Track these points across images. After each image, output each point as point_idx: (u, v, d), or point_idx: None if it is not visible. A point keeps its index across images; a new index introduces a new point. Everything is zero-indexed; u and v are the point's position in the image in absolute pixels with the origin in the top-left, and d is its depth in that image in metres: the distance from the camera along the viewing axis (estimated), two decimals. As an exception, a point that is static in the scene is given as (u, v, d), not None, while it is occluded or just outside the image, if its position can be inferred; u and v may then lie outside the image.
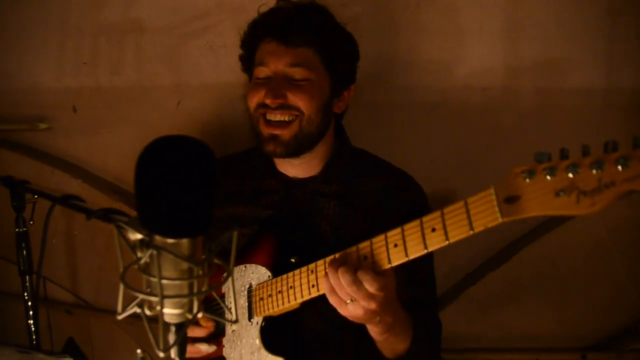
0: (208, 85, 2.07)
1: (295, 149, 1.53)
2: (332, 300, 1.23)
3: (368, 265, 1.19)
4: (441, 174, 1.97)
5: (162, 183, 0.78)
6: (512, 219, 0.98)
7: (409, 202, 1.56)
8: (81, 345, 2.39)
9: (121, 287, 0.83)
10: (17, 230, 1.64)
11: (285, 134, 1.51)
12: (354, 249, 1.23)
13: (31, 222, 1.64)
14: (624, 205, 0.87)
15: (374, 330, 1.31)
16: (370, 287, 1.17)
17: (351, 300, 1.20)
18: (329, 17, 1.60)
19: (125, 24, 2.08)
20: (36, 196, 1.57)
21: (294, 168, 1.61)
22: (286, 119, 1.51)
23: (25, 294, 1.68)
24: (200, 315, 0.87)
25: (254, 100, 1.55)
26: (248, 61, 1.65)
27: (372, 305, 1.19)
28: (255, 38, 1.60)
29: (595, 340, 2.05)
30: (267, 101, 1.51)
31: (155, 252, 0.77)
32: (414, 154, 1.97)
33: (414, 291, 1.48)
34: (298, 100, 1.50)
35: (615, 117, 1.87)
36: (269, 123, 1.52)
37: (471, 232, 1.04)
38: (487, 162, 1.95)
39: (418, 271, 1.35)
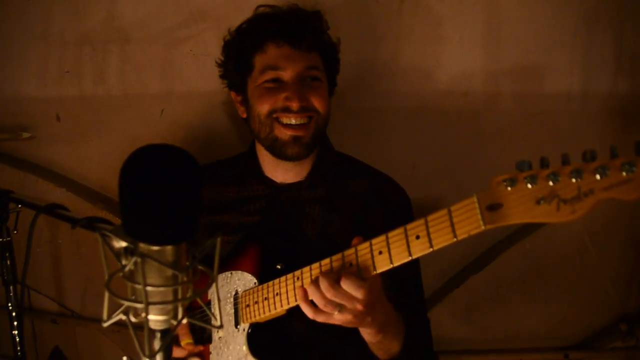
0: (192, 93, 2.08)
1: (313, 149, 1.58)
2: (320, 318, 1.24)
3: (352, 271, 1.20)
4: (423, 178, 1.99)
5: (145, 191, 0.79)
6: (495, 227, 1.01)
7: (393, 205, 1.59)
8: (67, 355, 2.38)
9: (106, 294, 0.84)
10: (0, 240, 1.63)
11: (306, 135, 1.54)
12: (339, 255, 1.24)
13: (15, 232, 1.62)
14: (603, 206, 0.90)
15: (367, 332, 1.31)
16: (356, 291, 1.18)
17: (339, 310, 1.21)
18: (323, 21, 1.65)
19: (109, 33, 2.07)
20: (20, 205, 1.55)
21: (285, 173, 1.62)
22: (305, 121, 1.53)
23: (10, 305, 1.67)
24: (184, 321, 0.88)
25: (266, 107, 1.54)
26: (239, 66, 1.63)
27: (358, 306, 1.20)
28: (256, 42, 1.58)
29: (578, 339, 2.08)
30: (292, 105, 1.51)
31: (139, 260, 0.78)
32: (396, 159, 1.99)
33: (402, 296, 1.49)
34: (315, 101, 1.54)
35: (593, 121, 1.92)
36: (287, 126, 1.53)
37: (454, 239, 1.06)
38: (468, 166, 1.98)
39: (404, 275, 1.37)
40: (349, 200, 1.59)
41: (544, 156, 0.94)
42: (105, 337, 2.29)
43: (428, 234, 1.09)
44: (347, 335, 1.35)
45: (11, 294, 1.65)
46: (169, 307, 0.85)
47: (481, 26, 1.91)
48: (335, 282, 1.19)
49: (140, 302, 0.80)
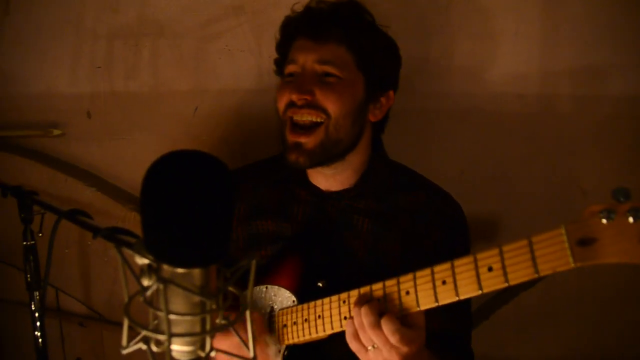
0: (226, 91, 1.99)
1: (322, 159, 1.41)
2: (353, 347, 1.13)
3: (409, 302, 1.07)
4: (472, 186, 1.86)
5: (172, 206, 0.68)
6: (586, 265, 0.86)
7: (449, 224, 1.45)
8: (94, 358, 2.32)
9: (125, 321, 0.74)
10: (24, 243, 1.57)
11: (309, 141, 1.38)
12: (393, 281, 1.10)
13: (40, 234, 1.56)
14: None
15: None
16: (392, 337, 1.06)
17: (373, 347, 1.09)
18: (364, 15, 1.49)
19: (141, 27, 2.00)
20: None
21: (327, 179, 1.49)
22: (313, 119, 1.39)
23: (33, 307, 1.61)
24: (213, 354, 0.77)
25: (282, 101, 1.44)
26: (281, 63, 1.55)
27: (395, 357, 1.08)
28: (288, 38, 1.50)
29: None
30: (293, 97, 1.39)
31: (161, 286, 0.67)
32: (443, 164, 1.86)
33: (447, 323, 1.35)
34: (325, 100, 1.38)
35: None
36: (294, 128, 1.41)
37: (536, 275, 0.91)
38: (522, 174, 1.84)
39: (455, 302, 1.23)
40: (401, 215, 1.45)
41: None
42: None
43: (503, 267, 0.94)
44: None
45: (36, 297, 1.61)
46: (195, 337, 0.75)
47: (538, 23, 1.77)
48: (378, 319, 1.07)
49: (162, 333, 0.70)
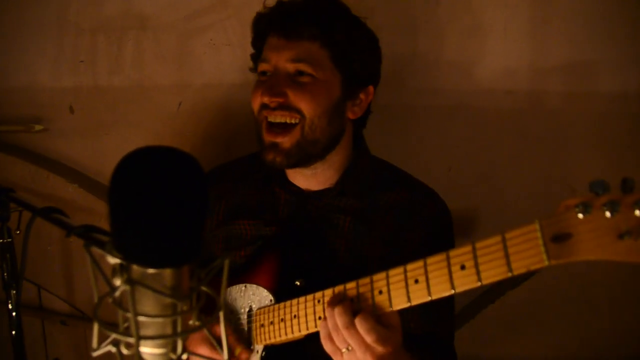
0: (211, 85, 1.96)
1: (299, 159, 1.37)
2: (328, 348, 1.10)
3: (382, 301, 1.05)
4: (459, 183, 1.84)
5: (140, 203, 0.65)
6: (561, 263, 0.82)
7: (433, 224, 1.41)
8: (77, 358, 2.29)
9: (95, 324, 0.72)
10: (0, 241, 1.53)
11: (285, 141, 1.35)
12: (367, 280, 1.08)
13: (17, 232, 1.52)
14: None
15: None
16: (367, 336, 1.03)
17: (347, 349, 1.06)
18: (340, 9, 1.43)
19: (125, 21, 1.97)
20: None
21: (306, 179, 1.46)
22: (287, 120, 1.35)
23: (10, 306, 1.58)
24: (185, 357, 0.74)
25: (256, 102, 1.40)
26: (256, 60, 1.50)
27: (369, 359, 1.05)
28: (261, 34, 1.45)
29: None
30: (265, 99, 1.35)
31: (128, 287, 0.64)
32: (430, 160, 1.84)
33: (429, 322, 1.33)
34: (299, 101, 1.34)
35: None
36: (270, 128, 1.37)
37: (509, 274, 0.87)
38: (510, 171, 1.82)
39: (436, 302, 1.21)
40: (384, 214, 1.41)
41: (628, 177, 0.75)
42: (115, 341, 2.19)
43: (476, 265, 0.90)
44: None
45: (12, 295, 1.58)
46: (167, 339, 0.72)
47: (527, 18, 1.74)
48: (352, 319, 1.04)
49: (131, 336, 0.67)
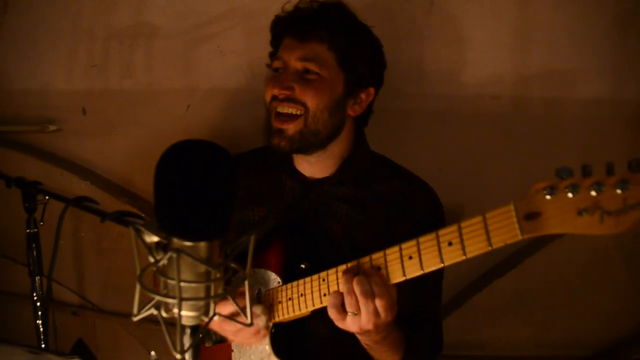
0: (218, 89, 2.08)
1: (300, 145, 1.52)
2: (332, 313, 1.24)
3: (382, 276, 1.19)
4: (450, 182, 1.94)
5: (181, 186, 0.79)
6: (532, 236, 0.97)
7: (425, 212, 1.55)
8: (86, 348, 2.39)
9: (137, 288, 0.83)
10: (28, 231, 1.64)
11: (290, 129, 1.50)
12: (366, 259, 1.23)
13: (41, 223, 1.64)
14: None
15: (360, 339, 1.34)
16: (380, 300, 1.19)
17: (353, 314, 1.21)
18: (347, 15, 1.59)
19: (137, 28, 2.09)
20: (47, 197, 1.57)
21: (311, 166, 1.60)
22: (293, 111, 1.50)
23: (35, 295, 1.68)
24: (216, 318, 0.87)
25: (268, 94, 1.55)
26: (272, 58, 1.65)
27: (370, 325, 1.21)
28: (278, 36, 1.61)
29: (601, 349, 2.04)
30: (275, 91, 1.51)
31: (174, 255, 0.77)
32: (423, 162, 1.93)
33: (418, 303, 1.47)
34: (304, 95, 1.49)
35: (624, 128, 1.88)
36: (278, 117, 1.52)
37: (489, 248, 1.03)
38: (497, 171, 1.95)
39: (425, 282, 1.33)
40: (379, 202, 1.55)
41: (587, 164, 0.90)
42: (124, 331, 2.30)
43: (461, 241, 1.06)
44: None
45: (37, 285, 1.68)
46: (201, 303, 0.85)
47: (512, 29, 1.88)
48: (370, 286, 1.19)
49: (173, 297, 0.80)
